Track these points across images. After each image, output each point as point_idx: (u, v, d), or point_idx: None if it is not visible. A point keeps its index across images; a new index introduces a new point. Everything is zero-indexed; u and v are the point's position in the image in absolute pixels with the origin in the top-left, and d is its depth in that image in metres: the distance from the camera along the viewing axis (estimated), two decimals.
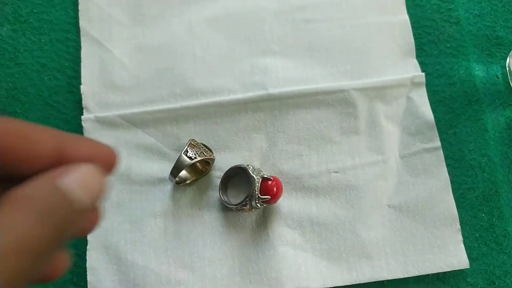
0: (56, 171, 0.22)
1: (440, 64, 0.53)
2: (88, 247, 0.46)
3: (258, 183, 0.45)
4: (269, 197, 0.45)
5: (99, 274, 0.46)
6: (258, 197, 0.45)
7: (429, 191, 0.48)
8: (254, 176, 0.45)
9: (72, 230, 0.22)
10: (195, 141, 0.47)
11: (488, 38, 0.54)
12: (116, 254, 0.46)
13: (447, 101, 0.52)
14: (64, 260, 0.25)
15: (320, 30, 0.53)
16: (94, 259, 0.46)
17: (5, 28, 0.54)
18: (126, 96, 0.51)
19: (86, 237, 0.47)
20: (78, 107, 0.51)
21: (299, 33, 0.53)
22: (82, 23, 0.53)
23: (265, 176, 0.46)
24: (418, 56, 0.53)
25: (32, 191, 0.21)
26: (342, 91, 0.50)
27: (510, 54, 0.52)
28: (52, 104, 0.51)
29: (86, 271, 0.46)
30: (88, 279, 0.46)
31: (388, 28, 0.53)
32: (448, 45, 0.53)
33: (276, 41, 0.53)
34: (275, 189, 0.45)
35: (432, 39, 0.54)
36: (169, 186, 0.48)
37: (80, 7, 0.54)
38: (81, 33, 0.53)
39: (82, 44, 0.53)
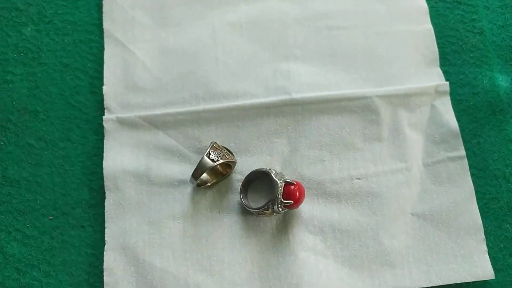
0: None
1: (463, 73, 0.52)
2: (105, 247, 0.46)
3: (281, 188, 0.44)
4: (292, 201, 0.44)
5: (116, 275, 0.45)
6: (281, 201, 0.44)
7: (453, 200, 0.47)
8: (277, 180, 0.45)
9: None
10: (217, 144, 0.47)
11: None
12: (134, 256, 0.45)
13: (471, 111, 0.51)
14: None
15: (343, 37, 0.53)
16: (112, 260, 0.45)
17: (29, 28, 0.54)
18: (148, 97, 0.51)
19: (103, 237, 0.46)
20: (99, 108, 0.51)
21: (322, 39, 0.53)
22: (105, 24, 0.54)
23: (288, 180, 0.45)
24: (441, 65, 0.52)
25: None
26: (365, 97, 0.50)
27: None
28: (73, 104, 0.51)
29: (102, 271, 0.45)
30: (104, 280, 0.45)
31: (411, 37, 0.53)
32: (471, 55, 0.53)
33: (298, 47, 0.53)
34: (297, 193, 0.45)
35: (456, 49, 0.53)
36: (189, 188, 0.48)
37: (104, 9, 0.54)
38: (105, 34, 0.53)
39: (106, 45, 0.53)
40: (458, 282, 0.45)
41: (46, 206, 0.48)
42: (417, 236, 0.46)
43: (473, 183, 0.48)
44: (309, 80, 0.51)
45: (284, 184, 0.45)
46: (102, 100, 0.51)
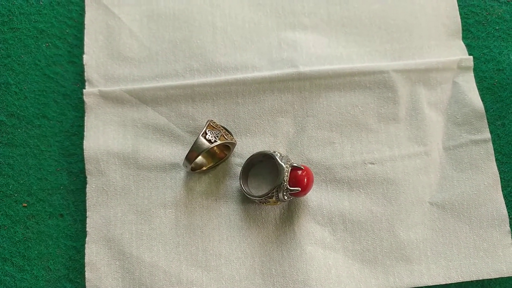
0: None
1: (487, 47, 0.49)
2: (87, 239, 0.43)
3: (287, 173, 0.41)
4: (299, 189, 0.41)
5: (99, 270, 0.42)
6: (287, 188, 0.41)
7: (476, 188, 0.45)
8: (283, 164, 0.41)
9: None
10: (214, 123, 0.43)
11: None
12: (119, 249, 0.43)
13: (495, 89, 0.48)
14: None
15: (358, 3, 0.49)
16: (94, 253, 0.43)
17: None
18: (135, 69, 0.47)
19: (84, 228, 0.43)
20: (79, 80, 0.48)
21: (333, 5, 0.49)
22: None
23: (294, 165, 0.41)
24: (463, 38, 0.49)
25: None
26: (381, 72, 0.46)
27: None
28: (50, 76, 0.48)
29: (83, 266, 0.43)
30: (86, 276, 0.42)
31: (433, 4, 0.50)
32: (497, 27, 0.50)
33: (307, 14, 0.49)
34: (306, 180, 0.41)
35: (480, 20, 0.50)
36: (181, 173, 0.45)
37: None
38: None
39: (86, 8, 0.49)
40: (480, 279, 0.43)
41: (20, 192, 0.45)
42: (436, 228, 0.44)
43: (498, 169, 0.45)
44: (318, 52, 0.47)
45: (291, 169, 0.41)
46: (83, 71, 0.47)
